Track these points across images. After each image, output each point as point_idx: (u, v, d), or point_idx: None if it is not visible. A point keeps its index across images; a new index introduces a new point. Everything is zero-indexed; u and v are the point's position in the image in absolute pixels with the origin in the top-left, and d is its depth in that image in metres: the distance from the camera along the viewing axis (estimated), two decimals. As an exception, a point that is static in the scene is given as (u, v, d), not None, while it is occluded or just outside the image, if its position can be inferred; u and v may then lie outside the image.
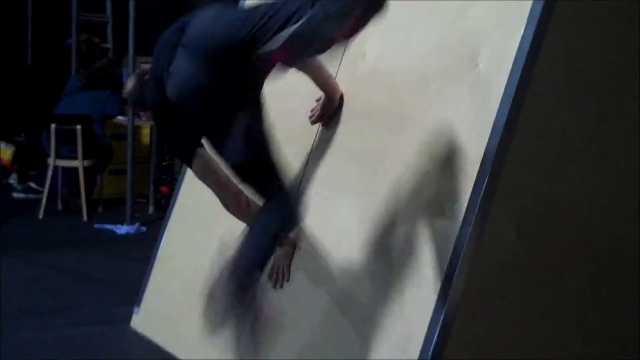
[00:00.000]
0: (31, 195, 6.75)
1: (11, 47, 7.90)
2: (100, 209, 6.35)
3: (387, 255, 2.75)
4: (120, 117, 6.52)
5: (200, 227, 3.58)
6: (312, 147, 3.17)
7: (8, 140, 7.43)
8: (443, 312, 2.48)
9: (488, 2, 2.75)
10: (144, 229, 5.79)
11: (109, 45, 7.72)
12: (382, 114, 2.99)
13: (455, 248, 2.50)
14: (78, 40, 7.14)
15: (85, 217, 6.02)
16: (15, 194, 6.85)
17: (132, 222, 5.83)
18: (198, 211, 3.62)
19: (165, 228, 3.76)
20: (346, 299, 2.85)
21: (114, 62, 6.98)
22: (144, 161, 6.51)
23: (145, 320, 3.66)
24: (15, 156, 7.27)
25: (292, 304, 3.00)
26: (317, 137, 3.15)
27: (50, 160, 6.10)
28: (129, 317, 3.76)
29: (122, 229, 5.75)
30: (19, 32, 8.00)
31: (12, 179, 7.11)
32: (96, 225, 5.86)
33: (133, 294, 3.87)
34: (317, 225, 3.02)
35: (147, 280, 3.74)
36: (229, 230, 3.39)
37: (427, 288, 2.56)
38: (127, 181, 5.96)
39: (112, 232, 5.74)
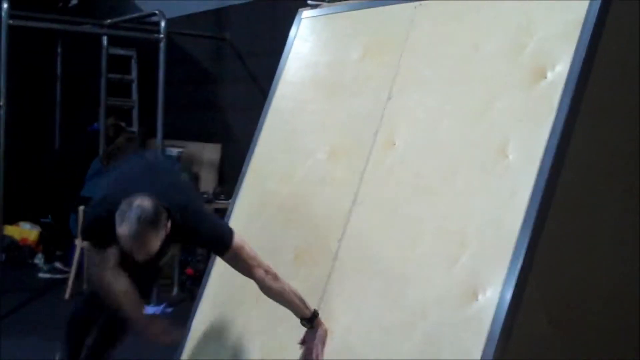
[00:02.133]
0: (57, 276, 6.84)
1: (40, 131, 8.10)
2: (125, 290, 6.40)
3: (417, 341, 2.80)
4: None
5: (231, 311, 3.64)
6: (344, 228, 3.26)
7: (34, 221, 7.56)
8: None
9: (515, 94, 2.85)
10: (169, 310, 5.84)
11: (134, 129, 7.89)
12: (409, 202, 3.07)
13: (488, 335, 2.55)
14: (106, 124, 7.31)
15: (110, 298, 6.07)
16: (41, 274, 6.94)
17: (158, 303, 5.88)
18: (229, 295, 3.69)
19: (196, 309, 3.82)
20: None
21: (132, 138, 7.06)
22: (168, 243, 6.58)
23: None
24: (41, 237, 7.39)
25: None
26: (350, 222, 3.23)
27: (77, 242, 6.19)
28: (158, 400, 3.80)
29: (148, 310, 5.78)
30: (48, 117, 8.20)
31: (38, 259, 7.21)
32: (122, 306, 5.91)
33: (162, 375, 3.91)
34: (348, 308, 3.09)
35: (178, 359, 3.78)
36: (260, 313, 3.48)
37: (459, 374, 2.61)
38: (152, 263, 6.02)
39: (137, 313, 5.77)
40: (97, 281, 3.25)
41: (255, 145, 3.89)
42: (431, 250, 2.89)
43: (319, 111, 3.65)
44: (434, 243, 2.89)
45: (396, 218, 3.08)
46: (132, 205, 2.88)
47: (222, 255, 3.17)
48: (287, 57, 3.96)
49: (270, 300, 3.39)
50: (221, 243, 3.10)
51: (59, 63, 8.14)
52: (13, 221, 7.25)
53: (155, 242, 2.95)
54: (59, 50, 8.29)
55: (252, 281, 3.55)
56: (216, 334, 3.68)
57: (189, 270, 6.45)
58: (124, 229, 2.90)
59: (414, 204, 3.04)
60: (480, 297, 2.63)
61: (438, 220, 2.91)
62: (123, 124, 7.56)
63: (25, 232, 7.37)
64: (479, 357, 2.54)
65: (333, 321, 3.13)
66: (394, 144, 3.22)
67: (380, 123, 3.30)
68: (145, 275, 3.50)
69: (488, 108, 2.93)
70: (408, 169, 3.13)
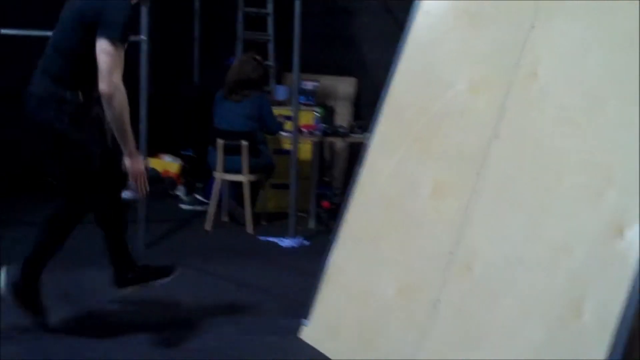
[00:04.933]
0: (198, 207, 7.05)
1: (180, 66, 8.29)
2: (263, 222, 6.55)
3: (560, 278, 2.74)
4: (283, 134, 6.69)
5: (369, 243, 3.65)
6: (484, 161, 3.21)
7: (175, 154, 7.79)
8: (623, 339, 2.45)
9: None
10: (306, 242, 5.92)
11: (271, 62, 7.95)
12: (552, 135, 2.99)
13: (635, 273, 2.47)
14: (243, 58, 7.37)
15: (249, 229, 6.22)
16: (182, 206, 7.17)
17: (295, 236, 5.97)
18: (367, 228, 3.70)
19: (334, 242, 3.85)
20: (518, 317, 2.85)
21: (245, 60, 6.86)
22: (305, 177, 6.65)
23: (314, 332, 3.76)
24: (182, 169, 7.62)
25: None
26: (490, 155, 3.17)
27: (217, 174, 6.34)
28: (296, 329, 3.87)
29: (285, 242, 5.89)
30: (187, 53, 8.37)
31: (179, 191, 7.45)
32: (260, 238, 6.05)
33: (299, 306, 3.98)
34: (488, 243, 3.05)
35: (316, 293, 3.83)
36: (398, 246, 3.48)
37: (603, 314, 2.54)
38: (290, 196, 6.11)
39: (275, 244, 5.90)
40: (115, 86, 3.43)
41: (392, 77, 3.84)
42: (575, 184, 2.81)
43: (459, 41, 3.57)
44: (578, 177, 2.80)
45: (538, 151, 3.01)
46: None
47: None
48: (425, -13, 3.87)
49: (408, 234, 3.40)
50: None
51: (197, -2, 8.28)
52: (155, 154, 7.48)
53: None
54: (197, -15, 8.42)
55: (389, 214, 3.57)
56: (353, 266, 3.71)
57: (325, 203, 6.51)
58: None
59: (558, 137, 2.96)
60: (627, 233, 2.55)
61: (583, 153, 2.82)
62: (259, 58, 7.61)
63: (168, 164, 7.60)
64: (625, 296, 2.47)
65: (471, 256, 3.10)
66: (537, 75, 3.12)
67: (522, 53, 3.20)
68: None
69: (638, 37, 2.79)
70: (551, 100, 3.04)
